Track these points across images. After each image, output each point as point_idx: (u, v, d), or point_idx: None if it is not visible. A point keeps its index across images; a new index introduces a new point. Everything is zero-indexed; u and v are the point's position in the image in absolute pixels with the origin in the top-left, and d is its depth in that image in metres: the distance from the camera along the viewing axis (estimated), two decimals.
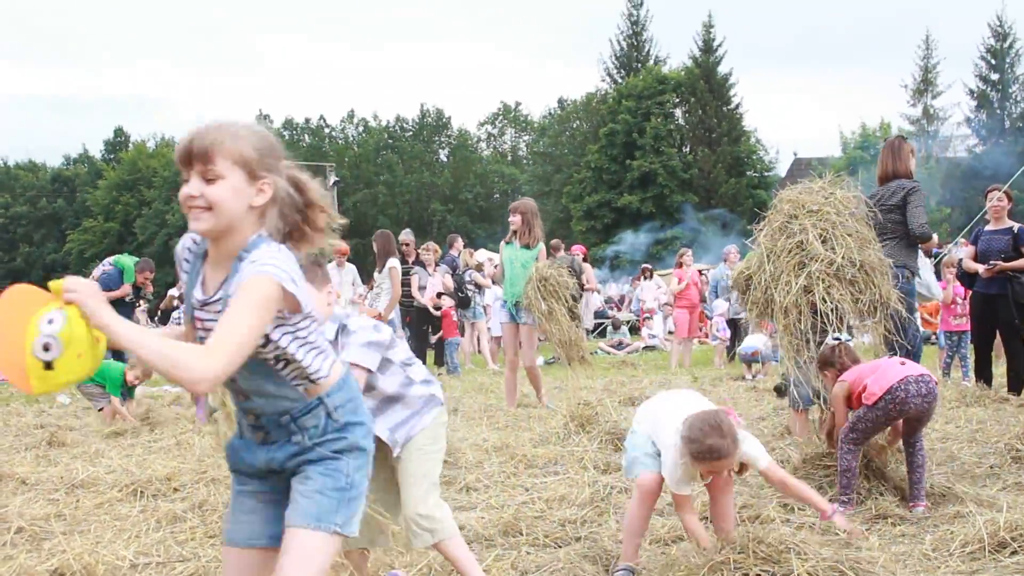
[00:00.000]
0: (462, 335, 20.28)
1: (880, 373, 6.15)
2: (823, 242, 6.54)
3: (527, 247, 11.11)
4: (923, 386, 6.02)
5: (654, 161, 56.96)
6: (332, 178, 38.16)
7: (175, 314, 22.83)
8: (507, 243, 11.37)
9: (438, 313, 17.81)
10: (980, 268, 11.09)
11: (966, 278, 11.76)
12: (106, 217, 73.33)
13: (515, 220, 11.19)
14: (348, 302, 16.85)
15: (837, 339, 6.47)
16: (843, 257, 6.35)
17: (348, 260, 15.23)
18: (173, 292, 29.98)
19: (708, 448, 4.57)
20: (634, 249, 49.98)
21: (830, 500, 5.98)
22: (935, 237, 9.73)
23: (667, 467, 4.84)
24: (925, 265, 9.75)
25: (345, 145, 77.28)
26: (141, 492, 6.77)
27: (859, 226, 6.24)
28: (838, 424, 6.31)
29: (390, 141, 76.38)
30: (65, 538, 5.64)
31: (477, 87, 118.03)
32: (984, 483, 6.72)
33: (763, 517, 5.81)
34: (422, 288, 17.32)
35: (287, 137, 77.66)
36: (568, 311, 10.37)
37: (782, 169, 61.55)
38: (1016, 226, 11.22)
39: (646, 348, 22.46)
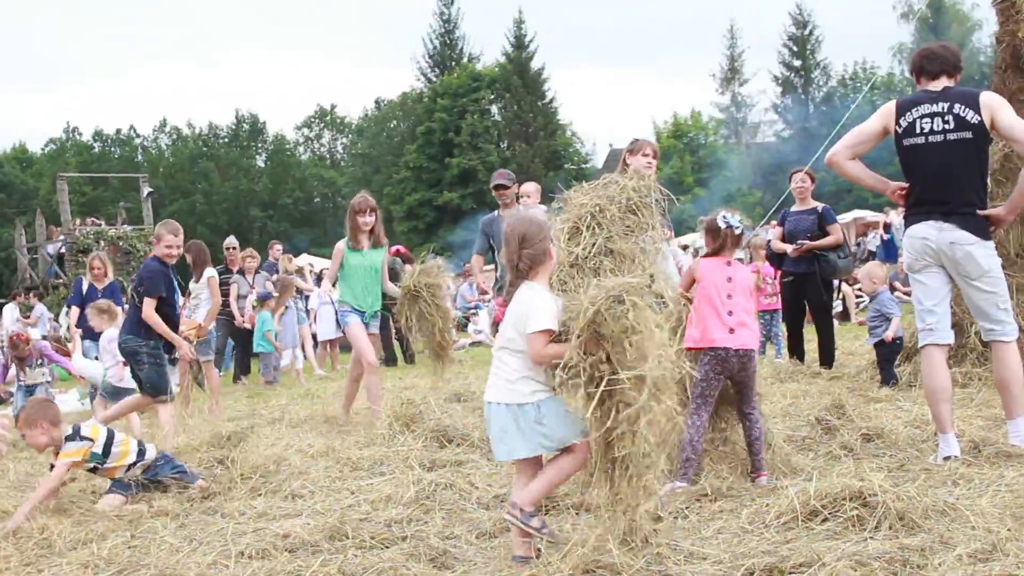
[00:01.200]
0: None
1: (708, 323, 6.42)
2: (577, 232, 6.34)
3: (376, 247, 10.29)
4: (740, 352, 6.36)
5: (472, 158, 57.31)
6: (146, 189, 37.25)
7: None
8: (353, 248, 10.17)
9: (250, 326, 17.45)
10: (788, 248, 11.47)
11: (775, 258, 12.13)
12: None
13: (369, 220, 10.16)
14: None
15: (726, 220, 6.57)
16: (585, 247, 6.21)
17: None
18: None
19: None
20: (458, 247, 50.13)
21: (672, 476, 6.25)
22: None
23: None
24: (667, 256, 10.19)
25: (158, 155, 75.56)
26: None
27: (640, 216, 6.23)
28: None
29: (205, 149, 74.99)
30: None
31: (292, 91, 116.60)
32: (797, 455, 6.96)
33: None
34: (241, 297, 17.05)
35: (97, 149, 75.57)
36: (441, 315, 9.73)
37: (599, 160, 62.59)
38: (820, 206, 11.64)
39: (472, 344, 22.54)
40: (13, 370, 12.81)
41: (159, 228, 9.83)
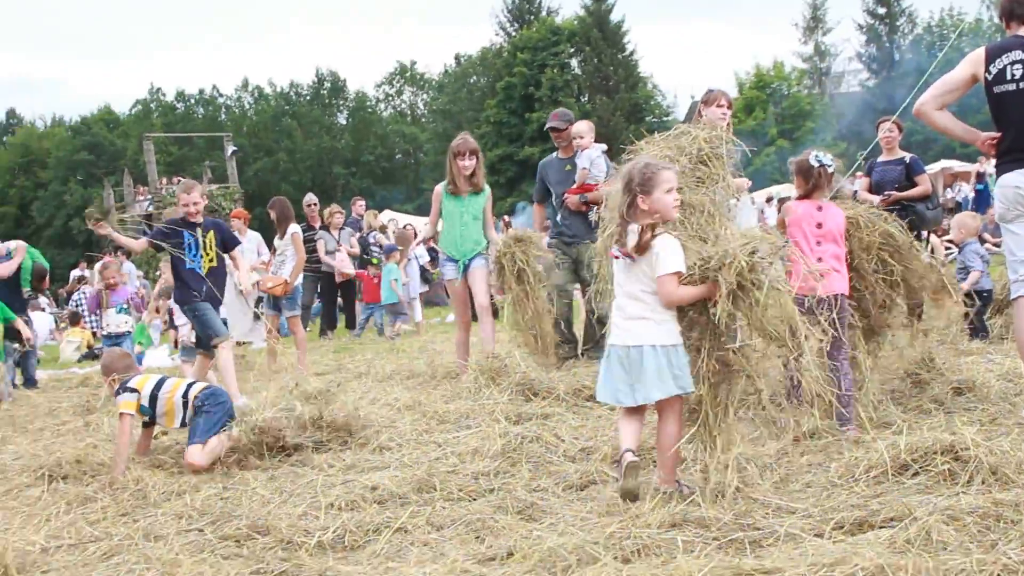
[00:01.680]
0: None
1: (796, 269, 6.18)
2: None
3: (475, 193, 9.94)
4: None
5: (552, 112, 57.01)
6: (230, 148, 37.74)
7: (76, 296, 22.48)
8: (452, 194, 9.87)
9: (343, 279, 17.73)
10: (875, 199, 11.28)
11: None
12: (1, 201, 71.57)
13: (470, 164, 9.75)
14: (250, 268, 16.72)
15: (819, 159, 6.54)
16: None
17: (254, 228, 15.06)
18: (76, 273, 29.51)
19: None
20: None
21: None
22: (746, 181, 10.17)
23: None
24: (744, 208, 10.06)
25: (241, 114, 76.24)
26: (50, 476, 6.67)
27: (711, 167, 6.11)
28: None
29: (287, 107, 75.50)
30: None
31: (372, 48, 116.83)
32: (887, 408, 6.88)
33: None
34: (329, 253, 17.24)
35: (180, 110, 76.45)
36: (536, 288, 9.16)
37: (680, 113, 62.00)
38: (908, 156, 11.42)
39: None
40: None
41: (177, 189, 10.02)
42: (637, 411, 5.39)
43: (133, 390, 7.06)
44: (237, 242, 10.10)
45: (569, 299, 10.66)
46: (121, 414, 6.92)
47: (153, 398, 7.10)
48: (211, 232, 9.53)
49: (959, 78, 6.81)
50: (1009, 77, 6.54)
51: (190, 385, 7.22)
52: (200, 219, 9.54)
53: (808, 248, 6.35)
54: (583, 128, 10.43)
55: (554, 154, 10.92)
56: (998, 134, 6.68)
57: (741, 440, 5.40)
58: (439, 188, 10.00)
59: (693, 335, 5.27)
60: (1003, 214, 6.68)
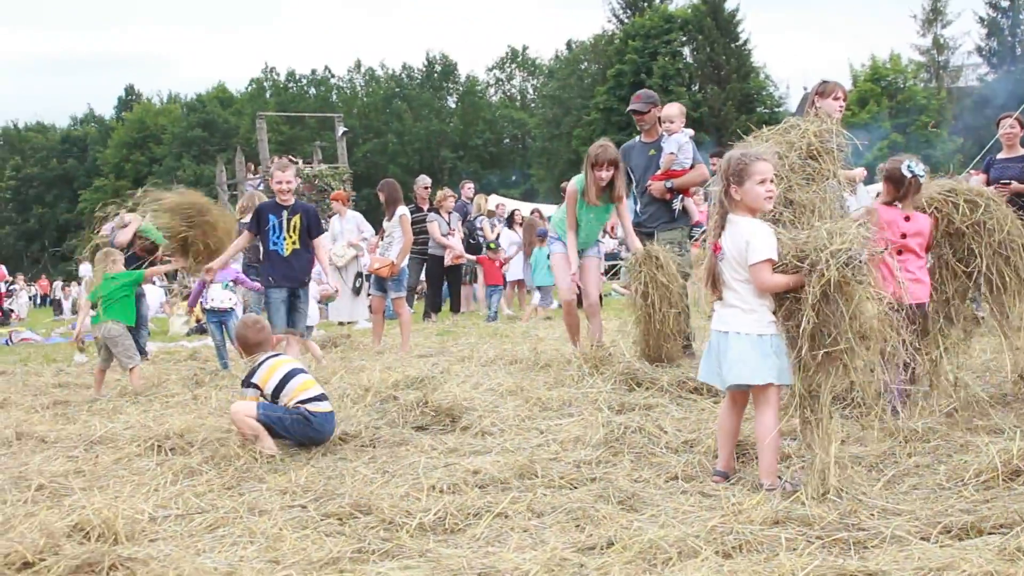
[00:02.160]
0: (475, 281, 20.33)
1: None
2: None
3: (609, 203, 9.54)
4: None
5: (663, 100, 56.70)
6: (341, 129, 38.02)
7: None
8: (588, 204, 9.46)
9: (456, 262, 17.93)
10: (983, 178, 11.02)
11: None
12: (117, 175, 73.25)
13: (606, 175, 9.20)
14: (347, 246, 16.91)
15: (911, 169, 6.50)
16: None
17: (360, 210, 15.21)
18: None
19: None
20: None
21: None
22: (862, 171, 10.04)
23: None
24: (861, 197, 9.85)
25: (352, 95, 77.00)
26: (159, 447, 6.80)
27: (821, 163, 6.00)
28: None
29: (397, 90, 76.09)
30: (85, 494, 5.70)
31: (483, 32, 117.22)
32: (999, 413, 6.72)
33: None
34: (445, 235, 17.39)
35: (292, 90, 77.47)
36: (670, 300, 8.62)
37: (792, 104, 61.21)
38: None
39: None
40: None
41: (273, 167, 10.15)
42: (737, 405, 5.57)
43: (256, 386, 6.85)
44: (322, 230, 10.20)
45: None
46: (236, 410, 6.76)
47: (277, 392, 6.80)
48: (297, 215, 9.67)
49: None
50: None
51: (314, 399, 6.79)
52: (290, 200, 9.68)
53: (890, 255, 6.30)
54: (674, 111, 10.11)
55: (637, 138, 10.44)
56: None
57: (841, 439, 5.35)
58: (574, 187, 9.55)
59: (790, 324, 5.29)
60: None
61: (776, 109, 59.32)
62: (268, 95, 76.07)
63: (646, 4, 63.70)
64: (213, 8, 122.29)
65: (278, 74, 79.63)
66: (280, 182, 9.65)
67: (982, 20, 61.05)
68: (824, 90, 8.15)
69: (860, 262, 5.05)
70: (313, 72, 79.11)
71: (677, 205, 9.83)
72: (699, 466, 5.73)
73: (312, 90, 78.46)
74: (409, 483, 5.65)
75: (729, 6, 60.75)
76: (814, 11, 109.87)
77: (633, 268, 8.80)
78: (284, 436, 6.70)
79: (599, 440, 6.31)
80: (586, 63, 69.31)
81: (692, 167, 9.85)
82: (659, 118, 10.18)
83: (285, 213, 9.60)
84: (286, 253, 9.57)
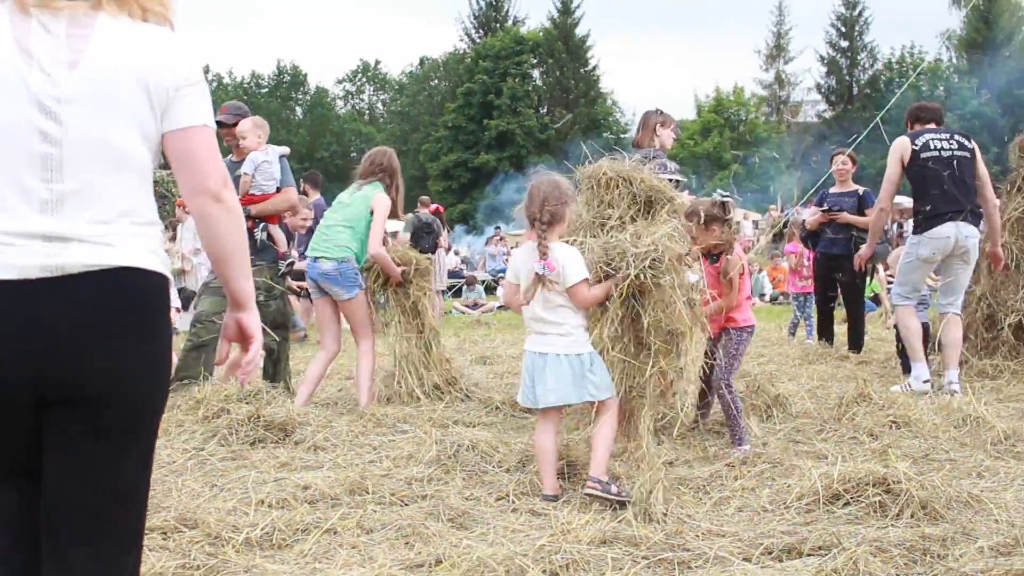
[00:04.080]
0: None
1: (746, 304, 6.87)
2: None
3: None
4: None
5: (511, 121, 57.26)
6: None
7: None
8: None
9: None
10: (818, 211, 11.38)
11: (811, 239, 12.01)
12: None
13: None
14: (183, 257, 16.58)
15: (724, 196, 6.66)
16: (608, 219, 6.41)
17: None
18: None
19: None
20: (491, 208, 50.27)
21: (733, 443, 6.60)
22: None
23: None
24: None
25: None
26: None
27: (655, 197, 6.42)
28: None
29: (245, 98, 75.05)
30: None
31: (336, 44, 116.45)
32: (823, 437, 6.94)
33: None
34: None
35: None
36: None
37: None
38: (862, 189, 11.53)
39: (500, 308, 22.56)
40: None
41: None
42: (551, 423, 5.76)
43: None
44: None
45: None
46: None
47: None
48: None
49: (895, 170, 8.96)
50: (933, 147, 8.77)
51: None
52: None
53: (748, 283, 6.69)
54: (247, 126, 8.65)
55: (228, 156, 8.88)
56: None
57: (670, 461, 5.50)
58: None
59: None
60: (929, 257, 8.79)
61: (622, 135, 60.33)
62: None
63: (498, 25, 64.17)
64: None
65: None
66: None
67: (822, 59, 63.29)
68: (665, 120, 8.56)
69: (664, 262, 5.47)
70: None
71: (260, 235, 8.55)
72: (530, 485, 5.76)
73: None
74: (237, 497, 5.54)
75: (580, 31, 61.69)
76: (662, 40, 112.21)
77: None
78: None
79: (431, 457, 6.28)
80: (436, 80, 69.48)
81: (279, 190, 8.67)
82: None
83: None
84: None
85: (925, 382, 8.71)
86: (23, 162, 2.46)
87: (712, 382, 6.83)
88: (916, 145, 8.84)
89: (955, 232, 8.65)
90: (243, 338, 2.88)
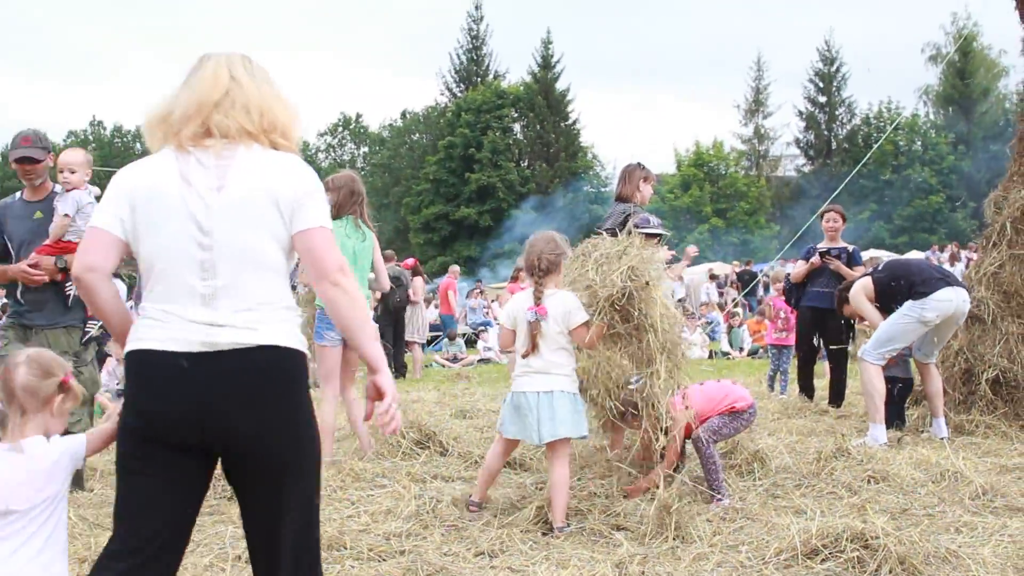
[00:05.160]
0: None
1: (733, 390, 7.07)
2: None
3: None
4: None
5: (492, 175, 57.40)
6: None
7: None
8: None
9: None
10: (813, 260, 11.37)
11: (792, 293, 12.01)
12: None
13: None
14: None
15: (638, 379, 6.72)
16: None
17: None
18: None
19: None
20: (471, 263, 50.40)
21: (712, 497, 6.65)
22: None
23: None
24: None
25: None
26: None
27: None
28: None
29: None
30: None
31: (317, 96, 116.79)
32: (801, 492, 6.94)
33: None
34: None
35: (119, 145, 75.89)
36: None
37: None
38: (851, 246, 11.56)
39: (481, 361, 22.53)
40: None
41: None
42: (508, 451, 6.69)
43: None
44: None
45: None
46: None
47: None
48: None
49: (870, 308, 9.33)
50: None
51: None
52: None
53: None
54: (78, 159, 7.45)
55: (17, 195, 7.53)
56: None
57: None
58: None
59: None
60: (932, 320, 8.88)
61: (602, 189, 60.59)
62: (91, 148, 74.18)
63: (479, 79, 64.51)
64: (35, 53, 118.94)
65: (105, 128, 77.91)
66: None
67: (801, 113, 63.85)
68: (647, 176, 8.73)
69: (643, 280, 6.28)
70: (139, 128, 77.48)
71: (71, 290, 7.09)
72: (508, 539, 5.75)
73: (139, 145, 76.85)
74: (215, 553, 5.51)
75: (560, 86, 62.03)
76: (644, 94, 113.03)
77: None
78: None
79: (411, 512, 6.27)
80: (417, 134, 69.71)
81: None
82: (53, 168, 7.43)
83: None
84: None
85: (882, 444, 8.71)
86: (186, 265, 3.28)
87: (691, 435, 6.87)
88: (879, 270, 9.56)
89: (955, 296, 8.87)
90: (379, 396, 3.43)
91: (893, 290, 9.10)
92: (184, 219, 3.27)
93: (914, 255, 27.86)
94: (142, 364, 3.28)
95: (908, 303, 8.92)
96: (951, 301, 8.85)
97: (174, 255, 3.29)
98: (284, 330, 3.33)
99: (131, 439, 3.31)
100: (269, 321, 3.31)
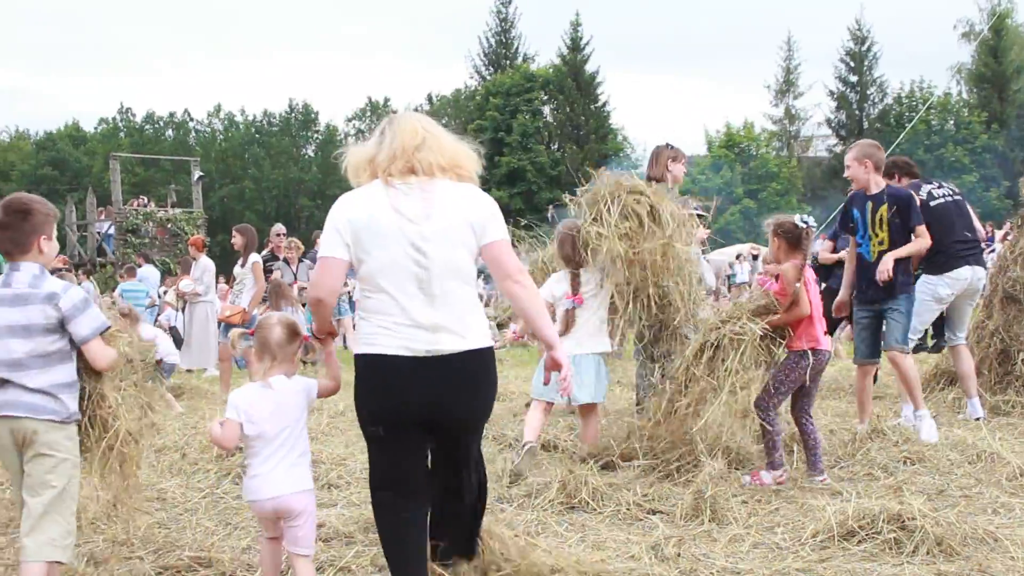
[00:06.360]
0: None
1: (816, 326, 6.73)
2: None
3: None
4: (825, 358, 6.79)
5: (522, 158, 57.31)
6: (197, 173, 37.52)
7: None
8: None
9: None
10: (841, 254, 11.26)
11: (820, 272, 11.91)
12: None
13: None
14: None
15: (805, 221, 6.73)
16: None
17: (212, 256, 14.91)
18: None
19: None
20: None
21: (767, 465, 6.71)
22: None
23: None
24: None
25: (211, 140, 76.00)
26: None
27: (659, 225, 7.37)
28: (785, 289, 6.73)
29: (257, 136, 75.30)
30: None
31: (345, 82, 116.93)
32: (837, 474, 6.92)
33: None
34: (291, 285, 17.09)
35: (149, 132, 76.17)
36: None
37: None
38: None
39: (513, 344, 22.48)
40: None
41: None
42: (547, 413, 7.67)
43: None
44: None
45: None
46: None
47: None
48: None
49: None
50: (938, 196, 9.07)
51: None
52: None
53: (815, 304, 6.74)
54: None
55: None
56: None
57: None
58: None
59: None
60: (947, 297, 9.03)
61: (633, 170, 60.25)
62: (123, 135, 74.47)
63: (508, 62, 64.39)
64: (65, 42, 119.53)
65: (134, 115, 78.18)
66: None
67: (832, 93, 63.37)
68: (676, 155, 8.71)
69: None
70: (171, 115, 77.85)
71: None
72: (543, 521, 5.76)
73: (170, 132, 77.19)
74: (252, 535, 5.57)
75: (590, 68, 61.85)
76: (674, 76, 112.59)
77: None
78: None
79: None
80: (446, 118, 69.74)
81: None
82: None
83: None
84: None
85: (979, 418, 8.87)
86: (407, 280, 4.17)
87: (804, 410, 6.90)
88: (922, 196, 8.94)
89: (971, 275, 8.95)
90: (557, 367, 4.41)
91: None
92: (402, 243, 4.15)
93: None
94: (377, 366, 4.22)
95: (923, 277, 9.00)
96: (966, 279, 8.93)
97: (396, 272, 4.17)
98: (484, 332, 4.29)
99: (371, 423, 4.34)
100: (473, 325, 4.27)
